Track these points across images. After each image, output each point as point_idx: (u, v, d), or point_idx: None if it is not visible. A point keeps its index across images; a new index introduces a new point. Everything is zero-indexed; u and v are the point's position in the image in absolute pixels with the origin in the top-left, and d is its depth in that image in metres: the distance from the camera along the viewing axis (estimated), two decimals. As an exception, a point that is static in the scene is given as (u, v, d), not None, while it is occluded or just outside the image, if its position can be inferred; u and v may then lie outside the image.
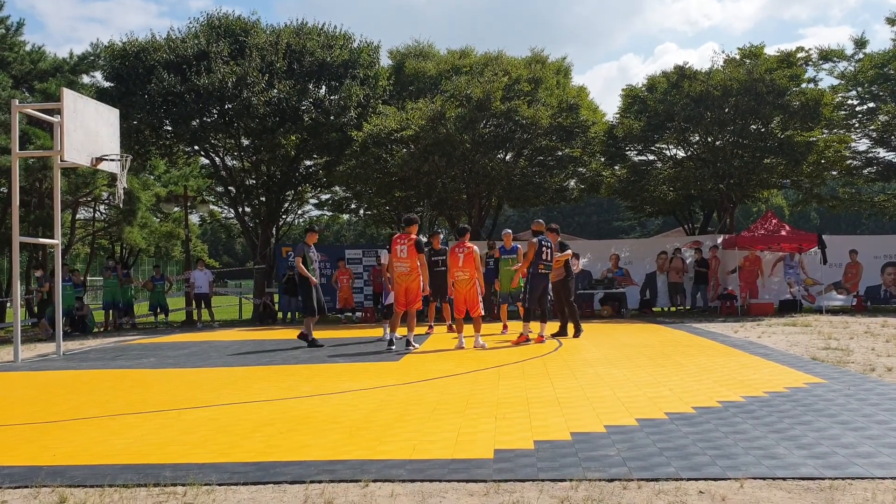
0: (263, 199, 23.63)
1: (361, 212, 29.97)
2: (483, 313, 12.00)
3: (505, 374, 8.34)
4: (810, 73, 23.45)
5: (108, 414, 6.57)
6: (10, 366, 10.95)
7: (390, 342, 11.39)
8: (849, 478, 4.11)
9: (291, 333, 15.24)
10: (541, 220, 12.51)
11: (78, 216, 25.78)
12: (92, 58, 22.95)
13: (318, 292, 12.63)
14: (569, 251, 12.78)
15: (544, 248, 11.72)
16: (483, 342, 11.33)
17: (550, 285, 12.45)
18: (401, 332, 11.87)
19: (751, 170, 20.95)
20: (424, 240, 13.26)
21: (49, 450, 5.26)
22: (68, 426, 6.10)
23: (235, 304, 26.59)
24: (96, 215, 27.39)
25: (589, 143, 22.02)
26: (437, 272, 13.63)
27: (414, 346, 11.25)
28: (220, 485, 4.28)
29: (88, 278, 28.58)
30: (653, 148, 23.56)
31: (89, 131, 12.29)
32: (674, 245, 20.56)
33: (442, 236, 13.90)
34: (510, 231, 14.01)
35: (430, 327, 14.38)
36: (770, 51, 22.39)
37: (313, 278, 12.39)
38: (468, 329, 11.75)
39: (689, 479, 4.14)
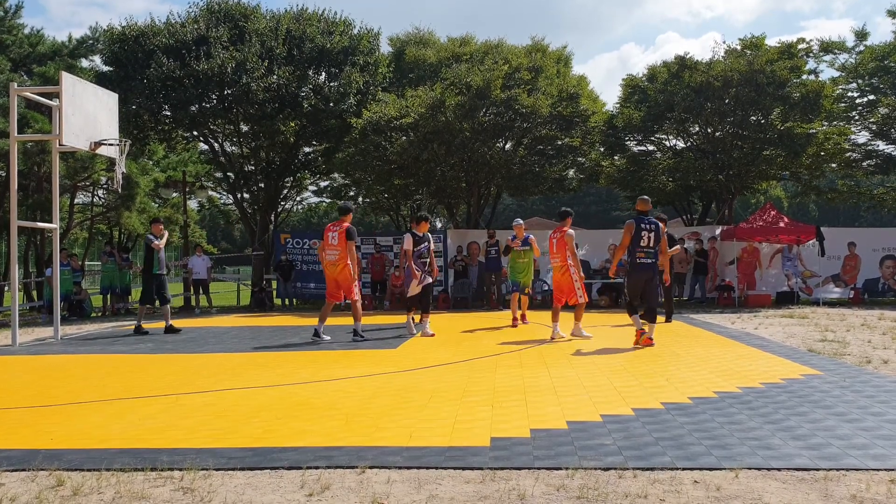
0: (262, 185, 23.59)
1: (360, 199, 29.95)
2: (585, 300, 11.01)
3: (502, 362, 8.36)
4: (811, 64, 23.42)
5: (106, 398, 6.58)
6: (8, 349, 10.96)
7: (315, 333, 10.91)
8: (843, 469, 4.13)
9: (289, 320, 15.27)
10: (646, 198, 10.17)
11: (76, 201, 25.73)
12: (91, 42, 22.86)
13: (160, 282, 13.04)
14: (678, 246, 12.47)
15: (644, 233, 9.61)
16: (584, 331, 10.72)
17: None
18: (406, 321, 11.85)
19: (750, 161, 20.93)
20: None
21: (46, 433, 5.28)
22: (66, 410, 6.11)
23: (233, 290, 26.63)
24: (95, 200, 27.35)
25: (588, 133, 21.99)
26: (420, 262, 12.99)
27: (360, 336, 10.87)
28: (216, 470, 4.29)
29: (86, 263, 28.55)
30: (652, 138, 23.51)
31: (88, 115, 12.25)
32: (677, 235, 20.54)
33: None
34: (522, 222, 13.35)
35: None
36: (771, 42, 22.36)
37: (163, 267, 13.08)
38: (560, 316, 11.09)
39: (684, 469, 4.16)
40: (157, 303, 13.17)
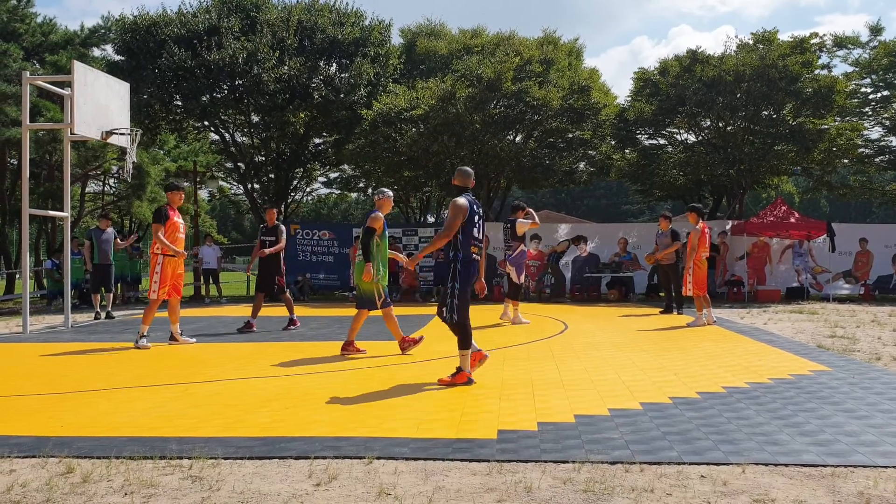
0: (272, 175, 23.64)
1: (370, 191, 29.96)
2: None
3: (510, 355, 8.36)
4: (824, 59, 23.28)
5: (115, 386, 6.62)
6: (19, 337, 11.04)
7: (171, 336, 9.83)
8: (851, 465, 4.12)
9: (298, 310, 15.27)
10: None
11: (87, 189, 25.88)
12: (103, 31, 22.95)
13: (108, 272, 14.31)
14: (678, 242, 13.54)
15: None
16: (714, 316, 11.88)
17: (661, 268, 14.28)
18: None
19: (761, 156, 20.82)
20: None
21: (56, 421, 5.31)
22: (76, 398, 6.15)
23: (243, 279, 26.71)
24: (106, 189, 27.50)
25: (599, 126, 21.91)
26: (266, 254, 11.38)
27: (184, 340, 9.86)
28: (225, 458, 4.31)
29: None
30: (663, 132, 23.44)
31: (99, 105, 12.29)
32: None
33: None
34: (388, 193, 8.69)
35: (248, 323, 11.33)
36: (784, 36, 22.23)
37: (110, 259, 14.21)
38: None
39: (691, 464, 4.15)
40: (103, 290, 14.40)
